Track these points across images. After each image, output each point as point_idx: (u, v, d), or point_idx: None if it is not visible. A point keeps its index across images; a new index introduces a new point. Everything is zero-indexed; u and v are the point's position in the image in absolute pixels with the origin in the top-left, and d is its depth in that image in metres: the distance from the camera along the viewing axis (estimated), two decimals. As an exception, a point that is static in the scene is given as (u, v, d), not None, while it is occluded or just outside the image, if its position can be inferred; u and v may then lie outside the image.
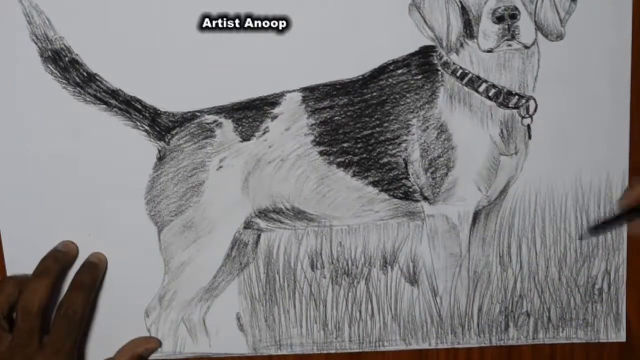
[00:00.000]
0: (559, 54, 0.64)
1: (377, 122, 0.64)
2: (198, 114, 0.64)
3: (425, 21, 0.63)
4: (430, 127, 0.64)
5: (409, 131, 0.64)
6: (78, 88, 0.63)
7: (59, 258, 0.64)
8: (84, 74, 0.63)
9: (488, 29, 0.62)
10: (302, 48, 0.63)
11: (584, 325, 0.69)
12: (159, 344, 0.67)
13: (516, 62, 0.64)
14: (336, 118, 0.64)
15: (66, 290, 0.63)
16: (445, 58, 0.64)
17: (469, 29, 0.63)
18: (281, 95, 0.64)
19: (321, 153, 0.65)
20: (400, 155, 0.65)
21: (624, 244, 0.67)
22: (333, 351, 0.69)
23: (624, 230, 0.67)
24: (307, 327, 0.68)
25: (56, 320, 0.62)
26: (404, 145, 0.65)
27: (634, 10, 0.64)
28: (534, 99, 0.65)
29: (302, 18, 0.63)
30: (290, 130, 0.65)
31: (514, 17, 0.61)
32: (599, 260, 0.67)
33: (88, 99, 0.63)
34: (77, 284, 0.63)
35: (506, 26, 0.62)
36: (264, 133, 0.65)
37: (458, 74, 0.64)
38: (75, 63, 0.63)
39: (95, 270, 0.64)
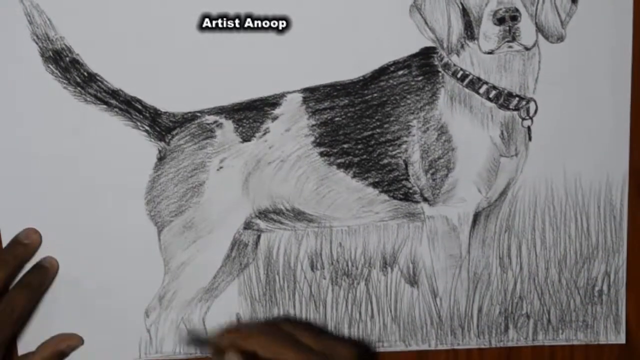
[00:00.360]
0: (560, 56, 0.64)
1: (378, 123, 0.64)
2: (198, 114, 0.64)
3: (426, 22, 0.63)
4: (431, 129, 0.64)
5: (409, 132, 0.64)
6: (79, 88, 0.63)
7: (19, 252, 0.64)
8: (85, 74, 0.63)
9: (489, 31, 0.62)
10: (302, 48, 0.63)
11: (583, 327, 0.69)
12: (81, 341, 0.67)
13: (517, 64, 0.64)
14: (337, 119, 0.64)
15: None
16: (446, 59, 0.64)
17: (470, 30, 0.63)
18: (282, 96, 0.64)
19: (321, 154, 0.65)
20: (400, 157, 0.65)
21: (623, 246, 0.67)
22: (333, 352, 0.69)
23: (623, 232, 0.67)
24: (307, 328, 0.68)
25: None
26: (404, 146, 0.65)
27: (634, 12, 0.64)
28: (535, 101, 0.65)
29: (302, 18, 0.63)
30: (291, 131, 0.65)
31: (514, 18, 0.61)
32: (599, 262, 0.67)
33: (89, 99, 0.63)
34: (23, 284, 0.64)
35: (507, 28, 0.62)
36: (264, 134, 0.65)
37: (459, 76, 0.64)
38: (75, 63, 0.63)
39: (44, 275, 0.64)
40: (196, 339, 0.64)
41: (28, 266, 0.65)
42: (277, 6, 0.63)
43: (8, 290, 0.63)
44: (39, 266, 0.65)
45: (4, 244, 0.65)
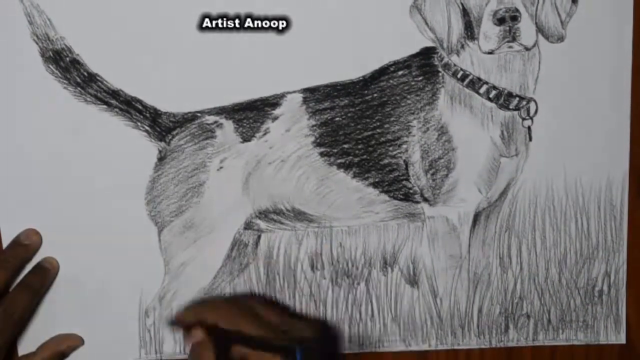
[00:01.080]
0: (560, 56, 0.64)
1: (378, 123, 0.64)
2: (199, 114, 0.64)
3: (426, 22, 0.63)
4: (431, 129, 0.64)
5: (409, 132, 0.64)
6: (79, 88, 0.63)
7: (19, 253, 0.64)
8: (85, 74, 0.63)
9: (489, 31, 0.62)
10: (302, 48, 0.63)
11: (584, 327, 0.69)
12: (81, 341, 0.67)
13: (517, 64, 0.64)
14: (337, 119, 0.64)
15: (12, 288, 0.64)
16: (446, 59, 0.64)
17: (470, 30, 0.63)
18: (282, 96, 0.64)
19: (322, 154, 0.65)
20: (400, 157, 0.65)
21: (624, 246, 0.67)
22: (333, 352, 0.69)
23: (623, 232, 0.67)
24: (307, 328, 0.68)
25: None
26: (404, 146, 0.65)
27: (634, 12, 0.64)
28: (535, 101, 0.65)
29: (302, 18, 0.63)
30: (291, 131, 0.65)
31: (515, 18, 0.61)
32: (599, 262, 0.67)
33: (89, 99, 0.63)
34: (24, 285, 0.64)
35: (507, 28, 0.62)
36: (264, 134, 0.65)
37: (459, 76, 0.64)
38: (76, 63, 0.63)
39: (45, 275, 0.64)
40: (168, 321, 0.63)
41: (28, 267, 0.65)
42: (277, 6, 0.63)
43: (9, 292, 0.63)
44: (39, 267, 0.65)
45: (4, 244, 0.65)
